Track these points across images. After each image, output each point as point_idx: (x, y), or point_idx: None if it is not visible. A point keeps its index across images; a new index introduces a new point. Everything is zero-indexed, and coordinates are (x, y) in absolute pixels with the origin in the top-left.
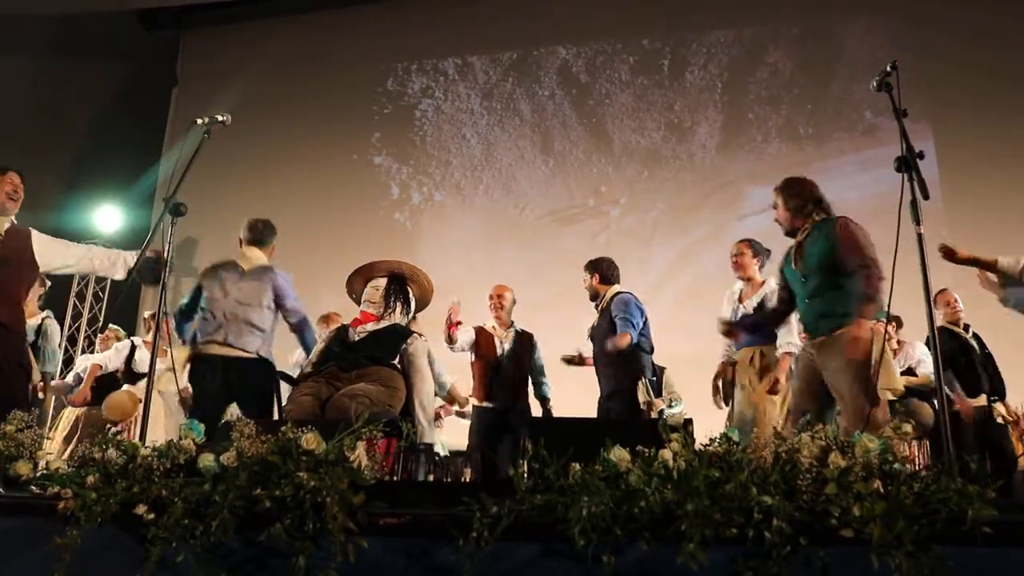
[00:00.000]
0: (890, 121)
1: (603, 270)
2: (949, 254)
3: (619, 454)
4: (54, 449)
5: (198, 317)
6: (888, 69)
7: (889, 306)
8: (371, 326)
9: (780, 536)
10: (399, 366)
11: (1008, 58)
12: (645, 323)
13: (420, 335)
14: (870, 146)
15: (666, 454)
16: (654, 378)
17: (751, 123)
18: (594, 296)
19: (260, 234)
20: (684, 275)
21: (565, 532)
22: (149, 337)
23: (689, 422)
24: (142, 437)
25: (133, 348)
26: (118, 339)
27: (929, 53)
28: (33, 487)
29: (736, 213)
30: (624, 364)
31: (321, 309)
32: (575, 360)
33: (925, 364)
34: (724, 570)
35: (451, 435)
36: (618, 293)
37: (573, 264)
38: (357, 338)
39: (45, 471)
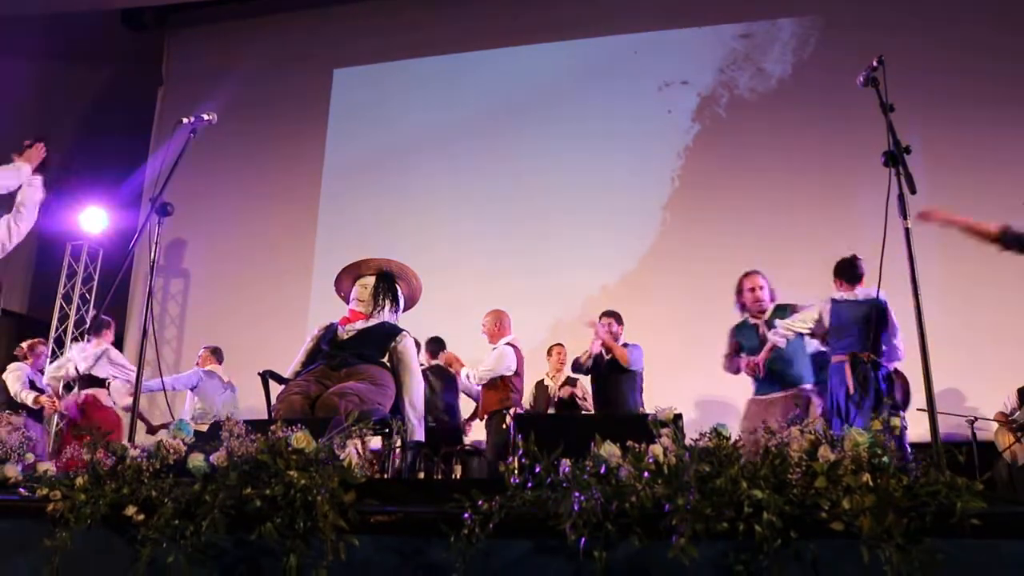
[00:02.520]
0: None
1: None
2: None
3: (609, 449)
4: None
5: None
6: (875, 64)
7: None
8: (360, 324)
9: (771, 530)
10: (388, 364)
11: (991, 53)
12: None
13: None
14: None
15: (656, 449)
16: None
17: None
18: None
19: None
20: None
21: (556, 528)
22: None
23: (679, 417)
24: None
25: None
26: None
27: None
28: (22, 489)
29: None
30: None
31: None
32: None
33: None
34: (715, 564)
35: None
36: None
37: None
38: (346, 336)
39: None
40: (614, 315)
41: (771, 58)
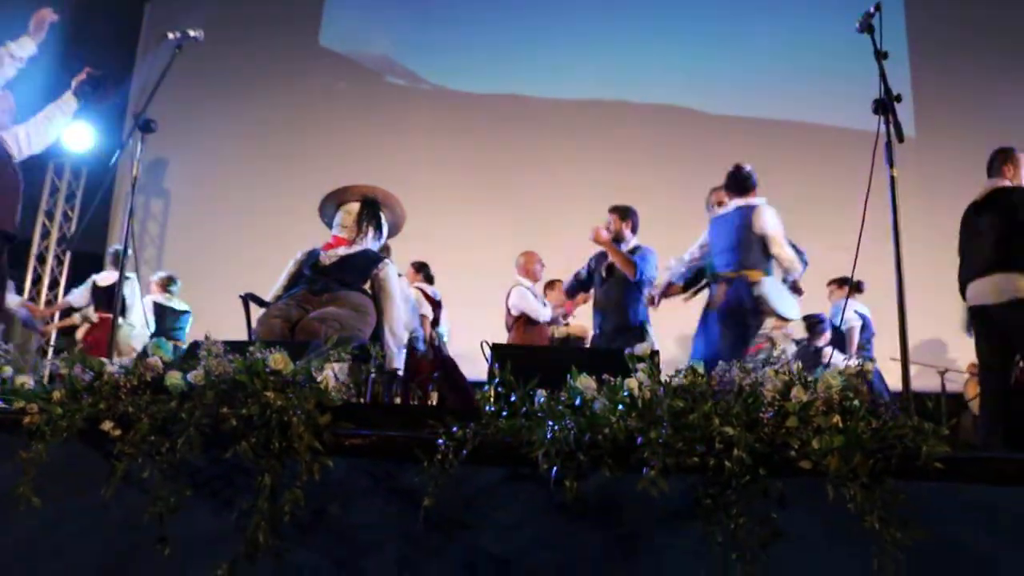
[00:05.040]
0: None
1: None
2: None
3: (585, 382)
4: None
5: None
6: (871, 11)
7: (858, 249)
8: (343, 250)
9: (740, 466)
10: (370, 291)
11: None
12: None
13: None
14: None
15: (632, 383)
16: None
17: None
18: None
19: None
20: None
21: (529, 456)
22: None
23: (656, 353)
24: None
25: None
26: None
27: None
28: None
29: None
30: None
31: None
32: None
33: None
34: (684, 497)
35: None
36: None
37: None
38: (328, 262)
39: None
40: (619, 211)
41: None
